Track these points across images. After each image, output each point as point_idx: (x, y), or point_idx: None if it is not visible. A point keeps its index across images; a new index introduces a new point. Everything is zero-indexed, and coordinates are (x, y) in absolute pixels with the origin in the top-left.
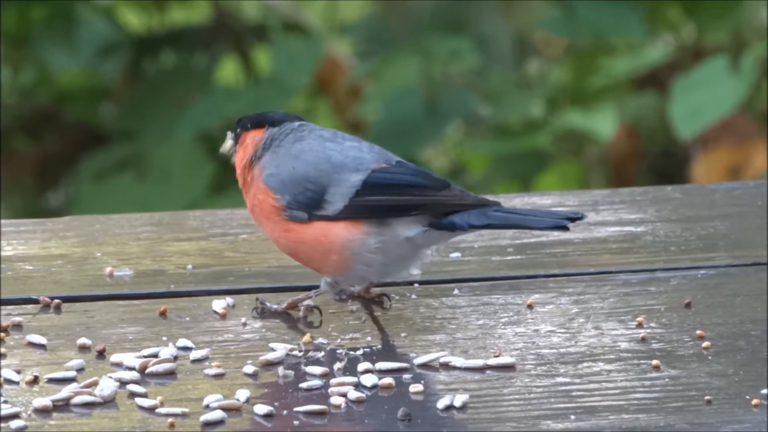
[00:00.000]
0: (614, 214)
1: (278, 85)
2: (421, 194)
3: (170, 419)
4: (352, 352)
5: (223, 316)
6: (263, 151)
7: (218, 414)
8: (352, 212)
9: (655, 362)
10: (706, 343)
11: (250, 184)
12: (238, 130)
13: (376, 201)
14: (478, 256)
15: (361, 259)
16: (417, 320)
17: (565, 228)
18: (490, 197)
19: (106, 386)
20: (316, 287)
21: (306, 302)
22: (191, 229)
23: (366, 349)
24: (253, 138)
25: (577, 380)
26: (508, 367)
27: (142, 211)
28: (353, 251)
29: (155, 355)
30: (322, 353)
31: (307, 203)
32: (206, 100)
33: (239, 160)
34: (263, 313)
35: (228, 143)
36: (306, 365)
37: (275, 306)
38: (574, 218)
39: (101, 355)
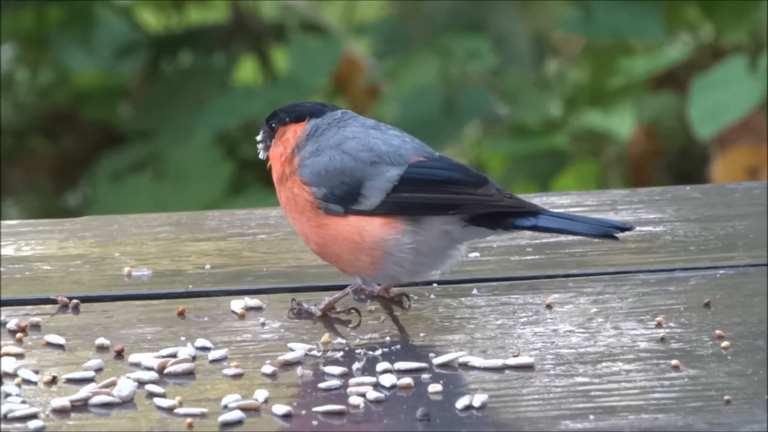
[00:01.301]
0: (633, 213)
1: (296, 85)
2: (458, 192)
3: (189, 419)
4: (370, 352)
5: (242, 316)
6: (306, 141)
7: (237, 414)
8: (388, 209)
9: (674, 362)
10: (725, 343)
11: (287, 177)
12: (273, 124)
13: (412, 198)
14: (497, 255)
15: (392, 259)
16: (436, 320)
17: (614, 237)
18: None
19: (125, 386)
20: (343, 287)
21: (343, 300)
22: (209, 229)
23: (385, 349)
24: (294, 131)
25: (596, 380)
26: (527, 367)
27: (159, 212)
28: (386, 251)
29: (174, 355)
30: (341, 353)
31: (343, 197)
32: (224, 100)
33: (278, 155)
34: (300, 314)
35: (259, 145)
36: (325, 365)
37: (312, 308)
38: (623, 228)
39: (119, 355)
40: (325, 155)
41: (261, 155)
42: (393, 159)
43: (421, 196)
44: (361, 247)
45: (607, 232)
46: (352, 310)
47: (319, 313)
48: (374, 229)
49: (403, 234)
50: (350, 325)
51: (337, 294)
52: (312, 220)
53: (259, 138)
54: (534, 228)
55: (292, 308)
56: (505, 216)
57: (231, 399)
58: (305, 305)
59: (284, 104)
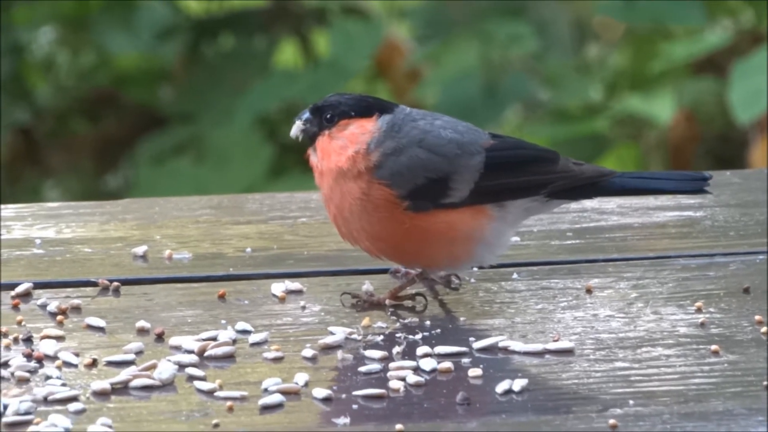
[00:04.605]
0: (673, 198)
1: (337, 69)
2: (542, 171)
3: (229, 402)
4: (411, 336)
5: (282, 300)
6: (383, 138)
7: (277, 397)
8: (477, 198)
9: (713, 347)
10: (764, 329)
11: (356, 176)
12: (329, 115)
13: (501, 185)
14: (537, 240)
15: (486, 248)
16: (476, 304)
17: (706, 191)
18: None
19: (165, 369)
20: (383, 270)
21: (408, 290)
22: (250, 212)
23: (425, 333)
24: (362, 126)
25: (636, 365)
26: (567, 352)
27: (200, 195)
28: (480, 241)
29: (214, 339)
30: (381, 337)
31: (430, 192)
32: (265, 84)
33: (338, 148)
34: (363, 306)
35: (297, 126)
36: (365, 349)
37: (376, 297)
38: (705, 178)
39: (160, 338)
40: (405, 154)
41: (296, 135)
42: (472, 148)
43: (508, 181)
44: (455, 241)
45: (699, 186)
46: (418, 296)
47: (387, 302)
48: (465, 220)
49: (492, 221)
50: (417, 310)
51: (403, 281)
52: (390, 220)
53: (302, 119)
54: (621, 191)
55: (354, 304)
56: (585, 185)
57: (271, 382)
58: (364, 296)
59: (329, 92)
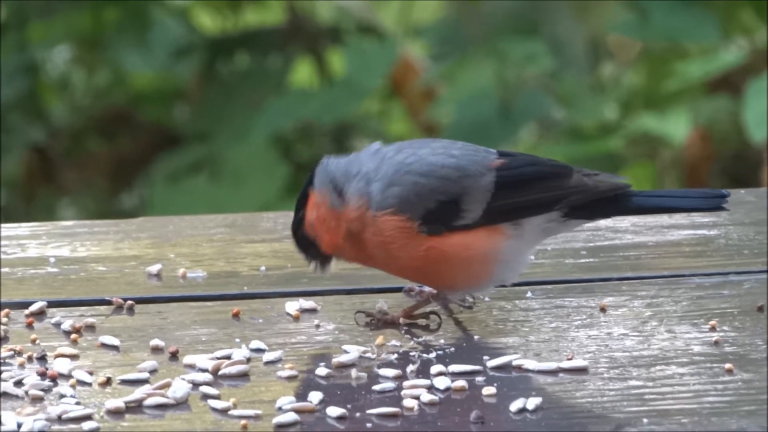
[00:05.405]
0: (687, 217)
1: (352, 87)
2: (556, 187)
3: (243, 421)
4: (425, 355)
5: (296, 318)
6: (343, 184)
7: (291, 416)
8: (491, 218)
9: (728, 366)
10: None
11: (361, 227)
12: (300, 213)
13: (514, 203)
14: (551, 258)
15: (504, 266)
16: (490, 323)
17: (723, 208)
18: None
19: (179, 388)
20: (398, 289)
21: (423, 309)
22: (264, 230)
23: (439, 352)
24: (310, 203)
25: (650, 383)
26: (581, 370)
27: (215, 213)
28: (497, 260)
29: (228, 357)
30: (395, 355)
31: (442, 215)
32: (280, 102)
33: (321, 220)
34: (378, 325)
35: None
36: (379, 367)
37: (391, 315)
38: (723, 195)
39: (174, 356)
40: (405, 182)
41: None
42: (474, 169)
43: (522, 199)
44: (472, 261)
45: (718, 203)
46: (432, 315)
47: (401, 321)
48: (481, 241)
49: (509, 239)
50: (431, 328)
51: (418, 300)
52: (408, 246)
53: (305, 253)
54: (639, 209)
55: (368, 323)
56: (601, 202)
57: (285, 401)
58: (378, 314)
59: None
